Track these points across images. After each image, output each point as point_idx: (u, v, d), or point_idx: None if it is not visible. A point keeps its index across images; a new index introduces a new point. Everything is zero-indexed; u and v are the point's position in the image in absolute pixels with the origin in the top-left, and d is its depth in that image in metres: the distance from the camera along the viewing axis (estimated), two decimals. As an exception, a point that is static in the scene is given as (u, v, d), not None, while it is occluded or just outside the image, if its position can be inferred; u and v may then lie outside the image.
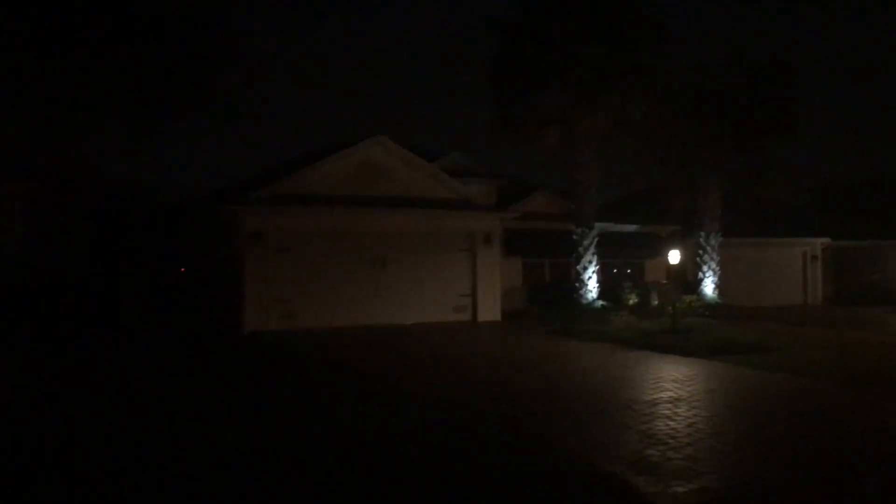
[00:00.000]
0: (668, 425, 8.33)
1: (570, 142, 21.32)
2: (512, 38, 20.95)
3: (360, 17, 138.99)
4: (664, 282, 22.64)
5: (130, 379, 11.60)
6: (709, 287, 24.39)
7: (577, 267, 22.02)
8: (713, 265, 24.56)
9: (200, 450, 7.44)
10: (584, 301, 21.59)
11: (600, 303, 21.55)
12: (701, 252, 24.64)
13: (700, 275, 24.60)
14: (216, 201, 21.41)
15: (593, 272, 21.93)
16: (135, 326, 17.56)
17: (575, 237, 22.03)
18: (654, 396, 10.03)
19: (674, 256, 18.76)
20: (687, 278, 25.27)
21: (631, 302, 22.52)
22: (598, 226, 22.33)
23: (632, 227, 26.94)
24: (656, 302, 22.43)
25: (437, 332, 18.42)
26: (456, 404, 9.79)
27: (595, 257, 21.94)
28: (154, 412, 9.18)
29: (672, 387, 10.81)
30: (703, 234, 24.64)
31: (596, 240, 22.01)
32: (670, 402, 9.61)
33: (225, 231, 19.29)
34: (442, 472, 6.80)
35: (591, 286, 21.85)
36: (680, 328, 16.29)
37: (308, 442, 7.74)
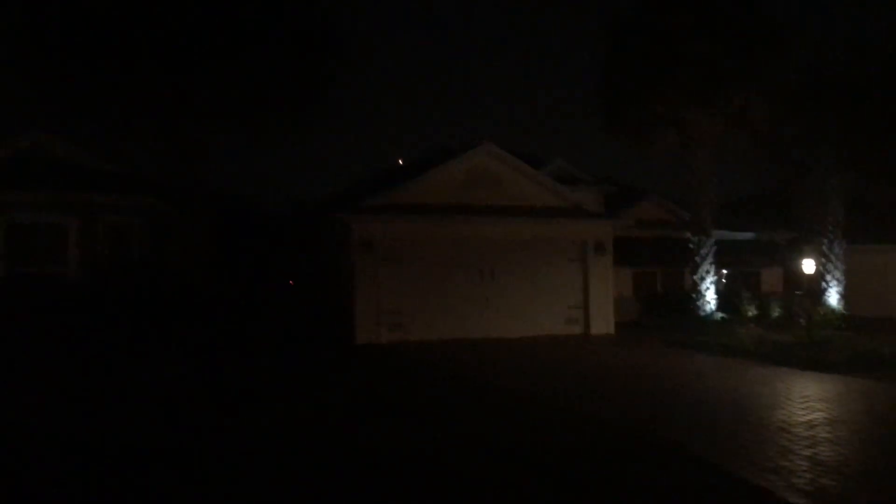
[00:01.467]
0: (834, 450, 7.71)
1: (684, 145, 20.51)
2: (625, 35, 20.39)
3: (462, 22, 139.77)
4: (798, 292, 21.42)
5: (261, 392, 11.64)
6: (833, 297, 22.98)
7: (695, 277, 21.15)
8: (837, 274, 23.14)
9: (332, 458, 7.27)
10: (703, 312, 20.67)
11: (720, 314, 20.56)
12: (824, 260, 23.25)
13: (823, 284, 23.18)
14: (326, 210, 21.51)
15: (711, 282, 21.00)
16: (250, 336, 17.75)
17: (691, 245, 21.17)
18: (809, 417, 9.33)
19: (808, 266, 17.67)
20: (806, 287, 23.93)
21: (750, 313, 21.43)
22: (714, 233, 21.40)
23: (748, 235, 25.74)
24: (777, 312, 21.27)
25: (552, 345, 17.77)
26: (600, 424, 9.29)
27: (713, 266, 21.01)
28: (298, 427, 9.11)
29: (824, 407, 10.09)
30: (825, 241, 23.26)
31: (714, 248, 21.07)
32: (828, 425, 8.94)
33: (335, 240, 19.32)
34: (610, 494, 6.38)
35: (710, 297, 20.92)
36: (816, 341, 15.28)
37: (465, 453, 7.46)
